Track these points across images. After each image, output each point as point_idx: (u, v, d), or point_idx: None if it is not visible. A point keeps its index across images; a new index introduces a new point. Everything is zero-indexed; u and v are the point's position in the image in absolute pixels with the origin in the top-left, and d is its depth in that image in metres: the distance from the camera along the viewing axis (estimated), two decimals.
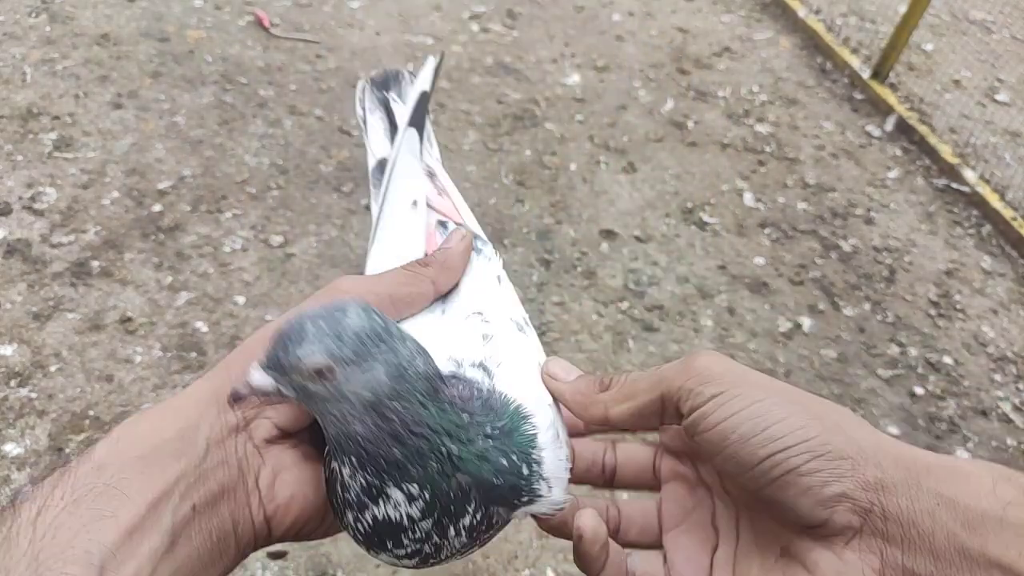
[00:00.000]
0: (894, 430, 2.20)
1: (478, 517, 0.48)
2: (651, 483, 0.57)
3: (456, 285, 0.58)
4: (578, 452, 0.56)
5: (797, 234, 2.76)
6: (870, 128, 3.29)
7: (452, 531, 0.48)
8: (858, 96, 3.43)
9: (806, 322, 2.46)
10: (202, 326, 2.14)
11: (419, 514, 0.47)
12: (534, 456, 0.50)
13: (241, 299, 2.23)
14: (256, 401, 0.46)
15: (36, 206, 2.36)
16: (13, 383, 1.94)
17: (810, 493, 0.42)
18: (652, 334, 2.34)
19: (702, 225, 2.73)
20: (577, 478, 0.56)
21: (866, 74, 3.43)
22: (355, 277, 0.55)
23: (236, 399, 0.45)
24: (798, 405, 0.45)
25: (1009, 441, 2.22)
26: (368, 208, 2.56)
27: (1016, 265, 2.80)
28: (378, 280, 0.55)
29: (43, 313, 2.10)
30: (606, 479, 0.57)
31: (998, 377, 2.40)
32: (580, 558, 0.50)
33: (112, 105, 2.74)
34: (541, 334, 2.24)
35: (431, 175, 0.69)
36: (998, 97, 3.52)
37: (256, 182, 2.57)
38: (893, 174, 3.09)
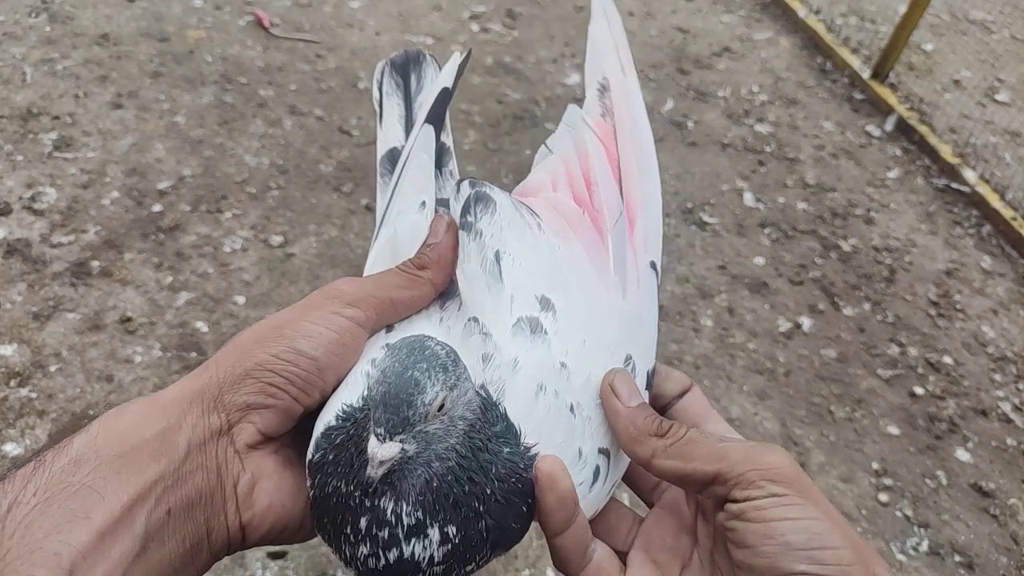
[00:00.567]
0: (894, 430, 2.20)
1: (480, 562, 0.48)
2: (645, 494, 0.57)
3: (453, 283, 0.56)
4: None
5: (797, 234, 2.76)
6: (870, 128, 3.29)
7: (455, 574, 0.47)
8: (858, 96, 3.43)
9: (806, 322, 2.46)
10: (202, 326, 2.14)
11: (440, 557, 0.45)
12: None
13: (241, 299, 2.23)
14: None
15: (36, 206, 2.36)
16: (13, 383, 1.94)
17: None
18: None
19: (702, 225, 2.73)
20: None
21: (866, 74, 3.43)
22: (354, 280, 0.54)
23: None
24: (849, 542, 0.44)
25: (1009, 441, 2.22)
26: (368, 208, 2.56)
27: (1016, 265, 2.80)
28: (378, 284, 0.54)
29: (43, 313, 2.10)
30: None
31: (998, 377, 2.40)
32: (539, 506, 0.48)
33: (112, 105, 2.74)
34: None
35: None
36: (998, 97, 3.52)
37: (256, 182, 2.57)
38: (893, 174, 3.09)
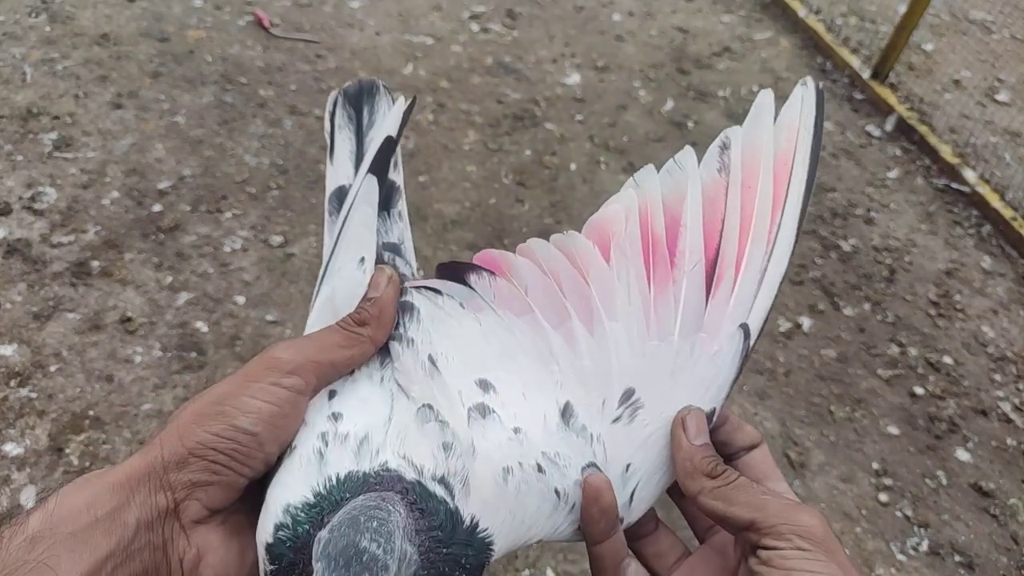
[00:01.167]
0: (894, 430, 2.20)
1: None
2: (700, 532, 0.60)
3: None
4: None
5: None
6: (870, 128, 3.29)
7: None
8: (858, 96, 3.43)
9: (806, 322, 2.46)
10: (202, 326, 2.14)
11: None
12: None
13: (241, 299, 2.23)
14: None
15: (36, 206, 2.36)
16: (13, 383, 1.95)
17: None
18: None
19: None
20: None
21: (866, 74, 3.43)
22: (292, 344, 0.54)
23: None
24: None
25: (1009, 441, 2.22)
26: None
27: (1016, 265, 2.80)
28: (318, 346, 0.54)
29: (43, 313, 2.10)
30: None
31: (998, 377, 2.40)
32: (583, 515, 0.53)
33: (112, 105, 2.74)
34: None
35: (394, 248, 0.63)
36: (998, 97, 3.52)
37: (256, 182, 2.57)
38: (893, 174, 3.09)
